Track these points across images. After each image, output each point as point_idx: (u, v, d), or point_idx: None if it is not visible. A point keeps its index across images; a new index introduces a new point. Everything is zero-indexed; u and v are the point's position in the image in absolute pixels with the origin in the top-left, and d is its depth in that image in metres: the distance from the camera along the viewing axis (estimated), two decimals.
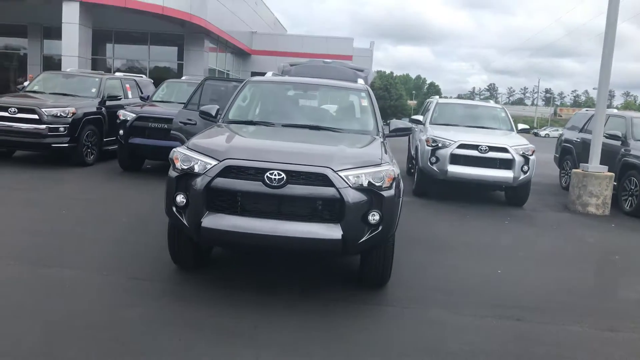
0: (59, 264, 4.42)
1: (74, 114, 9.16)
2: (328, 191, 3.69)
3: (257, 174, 3.70)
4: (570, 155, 11.29)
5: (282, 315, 3.72)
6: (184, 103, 8.22)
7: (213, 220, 3.72)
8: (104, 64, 25.48)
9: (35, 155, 10.10)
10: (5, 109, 8.83)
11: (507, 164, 8.29)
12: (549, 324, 3.96)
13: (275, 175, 3.66)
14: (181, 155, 3.93)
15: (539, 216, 8.29)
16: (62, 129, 8.98)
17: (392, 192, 3.91)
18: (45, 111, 8.89)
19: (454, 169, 8.35)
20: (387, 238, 4.02)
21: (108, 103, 10.22)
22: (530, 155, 8.39)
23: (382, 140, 4.75)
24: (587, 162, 8.92)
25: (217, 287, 4.17)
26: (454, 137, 8.52)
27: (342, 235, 3.68)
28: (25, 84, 10.95)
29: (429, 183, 8.93)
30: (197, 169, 3.82)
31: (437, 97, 10.88)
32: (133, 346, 3.16)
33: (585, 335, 3.84)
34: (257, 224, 3.69)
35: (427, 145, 8.59)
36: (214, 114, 5.07)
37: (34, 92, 10.19)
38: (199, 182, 3.74)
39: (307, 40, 32.10)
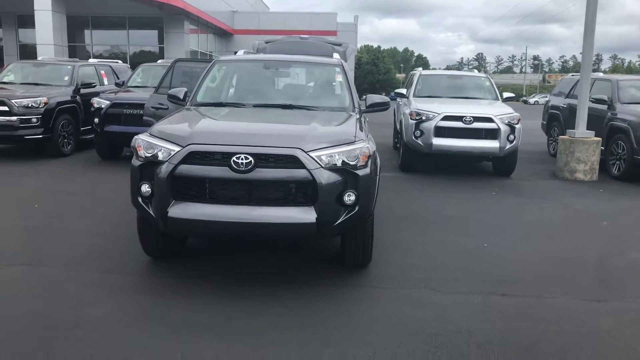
0: (25, 262, 4.24)
1: (46, 103, 8.86)
2: (299, 173, 3.51)
3: (223, 158, 3.51)
4: (558, 121, 11.14)
5: (258, 304, 3.58)
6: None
7: (180, 210, 3.54)
8: (83, 51, 24.92)
9: (11, 148, 9.82)
10: None
11: (492, 134, 8.12)
12: (535, 298, 3.85)
13: (242, 159, 3.47)
14: (144, 143, 3.73)
15: (527, 185, 8.17)
16: (34, 120, 8.69)
17: (367, 170, 3.74)
18: (16, 102, 8.59)
19: (439, 142, 8.18)
20: (364, 218, 3.87)
21: (82, 91, 9.91)
22: (516, 124, 8.22)
23: (358, 116, 4.56)
24: (574, 128, 8.78)
25: (190, 277, 4.01)
26: (438, 109, 8.33)
27: (316, 218, 3.52)
28: None
29: (414, 157, 8.77)
30: (160, 156, 3.62)
31: (420, 69, 10.63)
32: (99, 345, 3.01)
33: (572, 307, 3.73)
34: (227, 211, 3.52)
35: (411, 119, 8.40)
36: (182, 97, 4.85)
37: (4, 83, 9.85)
38: (163, 170, 3.55)
39: (289, 17, 31.51)
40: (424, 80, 9.89)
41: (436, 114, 8.21)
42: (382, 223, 5.63)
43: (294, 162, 3.51)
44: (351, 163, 3.68)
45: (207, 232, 3.63)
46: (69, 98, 9.58)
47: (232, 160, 3.47)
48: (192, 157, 3.54)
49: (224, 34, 30.80)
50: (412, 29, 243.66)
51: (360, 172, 3.69)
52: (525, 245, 5.14)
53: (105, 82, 10.96)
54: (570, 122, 9.82)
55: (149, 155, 3.67)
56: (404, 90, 9.96)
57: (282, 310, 3.50)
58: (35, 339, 3.04)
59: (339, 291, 3.84)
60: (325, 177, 3.53)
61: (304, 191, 3.56)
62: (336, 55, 5.83)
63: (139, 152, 3.73)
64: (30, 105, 8.69)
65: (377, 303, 3.70)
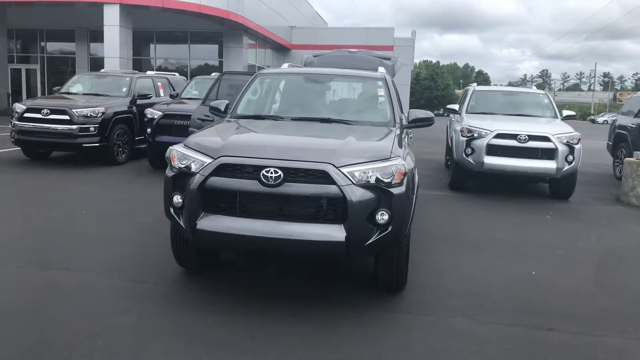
0: (64, 267, 4.32)
1: (103, 113, 9.23)
2: (329, 189, 3.37)
3: (253, 172, 3.43)
4: (625, 142, 10.42)
5: (284, 324, 3.45)
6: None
7: (208, 222, 3.49)
8: (147, 64, 26.03)
9: (70, 156, 10.28)
10: (38, 110, 9.00)
11: (549, 154, 7.66)
12: (585, 335, 3.50)
13: (271, 172, 3.38)
14: (178, 154, 3.72)
15: (587, 210, 7.63)
16: (92, 129, 9.06)
17: (402, 188, 3.55)
18: (76, 112, 8.99)
19: (491, 161, 7.80)
20: (398, 239, 3.67)
21: (139, 102, 10.25)
22: (576, 144, 7.72)
23: (399, 132, 4.38)
24: None
25: (220, 292, 3.94)
26: (491, 126, 7.97)
27: (345, 237, 3.36)
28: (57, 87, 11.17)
29: (465, 176, 8.41)
30: (193, 167, 3.60)
31: (475, 84, 10.27)
32: (118, 356, 2.97)
33: (629, 348, 3.36)
34: (255, 226, 3.43)
35: (462, 136, 8.08)
36: (223, 109, 4.85)
37: (68, 93, 10.37)
38: (194, 182, 3.51)
39: (346, 32, 31.66)
40: (477, 96, 9.53)
41: (489, 132, 7.85)
42: (423, 244, 5.40)
43: (324, 177, 3.38)
44: (385, 180, 3.50)
45: (234, 246, 3.56)
46: (125, 108, 9.94)
47: (261, 174, 3.39)
48: (223, 170, 3.49)
49: (281, 49, 31.32)
50: (473, 44, 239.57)
51: (394, 191, 3.50)
52: (579, 275, 4.73)
53: (162, 94, 11.31)
54: (639, 144, 9.17)
55: (182, 166, 3.66)
56: (456, 106, 9.63)
57: (306, 332, 3.35)
58: (57, 346, 3.05)
59: (369, 316, 3.65)
60: (356, 194, 3.37)
61: (334, 208, 3.42)
62: (381, 69, 5.69)
63: (172, 163, 3.72)
64: (89, 114, 9.07)
65: (408, 331, 3.48)
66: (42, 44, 27.88)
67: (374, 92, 4.89)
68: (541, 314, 3.80)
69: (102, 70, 12.14)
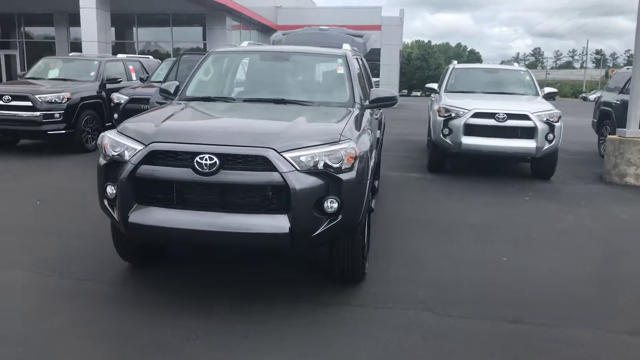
0: (2, 264, 4.03)
1: (69, 99, 8.84)
2: (270, 177, 3.08)
3: (186, 159, 3.14)
4: (610, 119, 10.16)
5: (226, 323, 3.19)
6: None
7: (141, 215, 3.20)
8: (130, 48, 25.39)
9: (40, 144, 9.91)
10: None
11: (529, 133, 7.38)
12: (552, 327, 3.27)
13: (206, 159, 3.09)
14: (110, 141, 3.41)
15: (568, 190, 7.38)
16: (57, 115, 8.68)
17: (352, 174, 3.27)
18: (39, 97, 8.61)
19: (469, 141, 7.52)
20: (351, 228, 3.40)
21: (108, 86, 9.86)
22: (556, 122, 7.44)
23: (357, 112, 4.08)
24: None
25: (163, 289, 3.67)
26: (469, 105, 7.67)
27: (289, 228, 3.08)
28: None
29: (443, 157, 8.14)
30: (126, 155, 3.29)
31: (455, 62, 9.93)
32: None
33: (597, 340, 3.13)
34: (191, 218, 3.14)
35: (439, 116, 7.78)
36: (172, 91, 4.52)
37: (34, 78, 9.96)
38: (124, 171, 3.21)
39: (333, 12, 31.03)
40: (457, 74, 9.20)
41: (466, 111, 7.56)
42: (392, 229, 5.15)
43: (264, 163, 3.09)
44: (334, 165, 3.22)
45: (169, 240, 3.28)
46: (94, 93, 9.56)
47: (195, 161, 3.10)
48: (155, 157, 3.19)
49: (267, 30, 30.67)
50: (465, 23, 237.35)
51: (344, 176, 3.22)
52: (553, 260, 4.49)
53: (134, 78, 10.92)
54: (624, 120, 8.90)
55: (115, 154, 3.35)
56: (434, 85, 9.31)
57: (249, 331, 3.09)
58: None
59: (321, 310, 3.40)
60: (300, 181, 3.09)
61: (277, 197, 3.13)
62: (346, 46, 5.36)
63: (105, 150, 3.41)
64: (53, 100, 8.69)
65: (363, 326, 3.22)
66: (21, 29, 27.14)
67: (333, 70, 4.58)
68: (506, 304, 3.57)
69: (72, 54, 11.68)
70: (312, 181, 3.13)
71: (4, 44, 27.52)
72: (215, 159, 3.08)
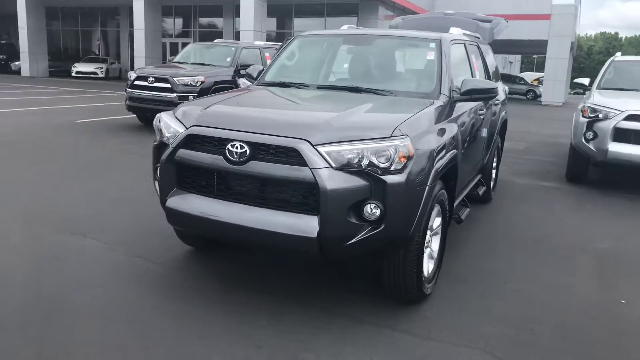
0: (84, 232, 4.27)
1: (202, 82, 9.37)
2: (301, 172, 2.71)
3: (218, 145, 2.92)
4: None
5: (254, 329, 2.92)
6: None
7: (177, 201, 3.07)
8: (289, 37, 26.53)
9: None
10: (145, 78, 9.45)
11: None
12: None
13: (236, 147, 2.83)
14: (162, 123, 3.34)
15: None
16: (191, 98, 9.23)
17: (402, 176, 2.75)
18: (177, 80, 9.26)
19: (618, 149, 6.21)
20: (397, 241, 2.89)
21: (242, 72, 10.23)
22: None
23: (440, 105, 3.49)
24: None
25: (211, 277, 3.54)
26: (623, 105, 6.32)
27: (318, 232, 2.69)
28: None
29: (583, 166, 6.87)
30: (171, 138, 3.19)
31: (619, 54, 8.33)
32: (48, 344, 2.73)
33: None
34: (221, 209, 2.92)
35: (583, 116, 6.56)
36: (255, 75, 4.38)
37: (179, 62, 10.77)
38: (165, 153, 3.11)
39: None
40: (616, 68, 7.68)
41: (618, 112, 6.24)
42: (490, 245, 4.44)
43: (296, 156, 2.72)
44: (381, 165, 2.73)
45: (199, 230, 3.10)
46: (228, 78, 10.01)
47: (226, 149, 2.86)
48: (192, 141, 3.02)
49: None
50: None
51: (390, 179, 2.72)
52: None
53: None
54: None
55: (164, 136, 3.27)
56: (585, 80, 7.92)
57: (260, 337, 2.79)
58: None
59: (356, 329, 2.95)
60: (334, 179, 2.66)
61: (308, 196, 2.75)
62: (453, 30, 4.69)
63: (157, 131, 3.36)
64: (188, 83, 9.28)
65: (397, 356, 2.71)
66: (197, 19, 30.04)
67: (423, 57, 3.98)
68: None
69: (216, 41, 12.42)
70: (350, 181, 2.69)
71: (184, 33, 30.75)
72: (246, 148, 2.81)
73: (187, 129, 3.06)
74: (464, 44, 4.60)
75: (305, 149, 2.70)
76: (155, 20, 23.55)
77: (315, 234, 2.69)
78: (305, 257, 2.90)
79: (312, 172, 2.66)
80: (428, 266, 3.37)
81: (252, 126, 2.89)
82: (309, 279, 3.61)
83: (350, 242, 2.74)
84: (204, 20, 30.29)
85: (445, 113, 3.51)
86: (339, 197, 2.67)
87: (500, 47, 39.91)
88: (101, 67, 28.02)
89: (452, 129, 3.50)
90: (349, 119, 2.99)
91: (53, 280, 3.40)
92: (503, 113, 5.66)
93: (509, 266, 4.01)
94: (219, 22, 29.35)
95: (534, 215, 5.43)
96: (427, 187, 2.93)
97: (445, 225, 3.53)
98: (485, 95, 3.74)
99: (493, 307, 3.30)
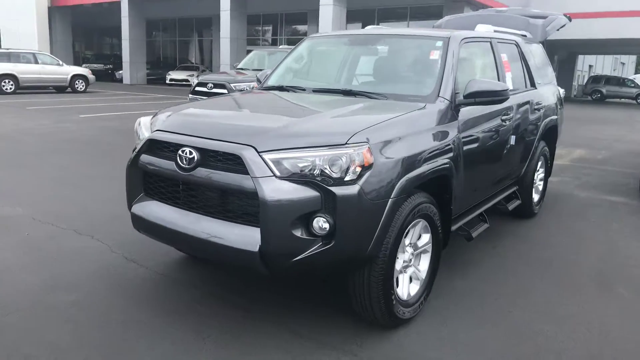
0: (97, 234, 4.39)
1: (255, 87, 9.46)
2: (241, 180, 2.53)
3: (173, 151, 2.82)
4: None
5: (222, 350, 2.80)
6: None
7: (141, 207, 3.03)
8: None
9: None
10: (205, 84, 9.74)
11: None
12: None
13: (186, 153, 2.72)
14: (136, 126, 3.33)
15: None
16: None
17: (354, 188, 2.47)
18: (233, 85, 9.44)
19: None
20: (353, 260, 2.61)
21: None
22: None
23: (432, 110, 3.15)
24: None
25: (190, 287, 3.46)
26: None
27: (259, 246, 2.50)
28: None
29: None
30: (140, 142, 3.16)
31: None
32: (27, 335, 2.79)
33: None
34: (177, 218, 2.82)
35: None
36: (263, 79, 4.28)
37: (242, 69, 11.00)
38: (130, 159, 3.08)
39: None
40: None
41: None
42: (505, 266, 3.93)
43: (240, 163, 2.55)
44: (334, 175, 2.49)
45: (159, 238, 3.00)
46: None
47: (177, 154, 2.76)
48: (154, 147, 2.96)
49: None
50: None
51: (339, 190, 2.46)
52: None
53: None
54: None
55: (138, 141, 3.25)
56: None
57: (217, 355, 2.64)
58: None
59: (324, 355, 2.70)
60: (276, 190, 2.45)
61: (253, 207, 2.57)
62: (480, 28, 4.26)
63: (136, 136, 3.35)
64: (244, 88, 9.40)
65: None
66: (283, 27, 30.79)
67: (426, 57, 3.61)
68: None
69: (281, 46, 12.52)
70: (296, 192, 2.47)
71: (273, 41, 31.66)
72: (195, 154, 2.68)
73: (152, 133, 3.01)
74: (490, 43, 4.15)
75: (248, 156, 2.52)
76: (240, 29, 24.42)
77: (257, 249, 2.50)
78: (254, 272, 2.70)
79: (253, 181, 2.48)
80: (408, 289, 3.04)
81: (203, 131, 2.76)
82: (298, 296, 3.39)
83: (297, 259, 2.50)
84: (291, 28, 30.98)
85: (438, 118, 3.15)
86: (282, 209, 2.45)
87: (606, 47, 36.68)
88: (193, 75, 29.59)
89: (446, 136, 3.14)
90: (305, 124, 2.76)
91: (41, 278, 3.50)
92: (549, 118, 5.05)
93: (515, 291, 3.51)
94: (303, 29, 29.85)
95: (581, 235, 4.77)
96: (392, 200, 2.62)
97: (437, 242, 3.17)
98: (491, 98, 3.31)
99: (471, 339, 2.88)
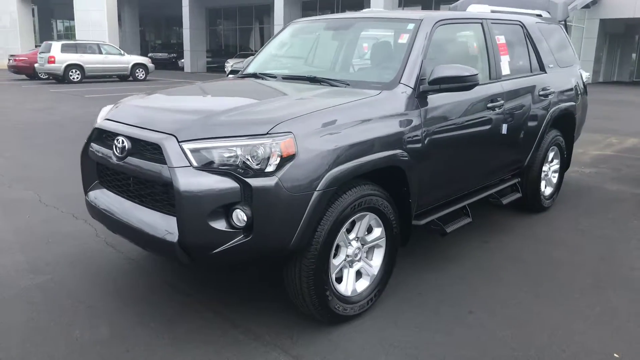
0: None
1: None
2: (160, 170, 2.51)
3: (110, 139, 2.85)
4: None
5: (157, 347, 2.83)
6: None
7: (93, 194, 3.09)
8: None
9: None
10: (236, 72, 9.80)
11: None
12: None
13: (120, 142, 2.73)
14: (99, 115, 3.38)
15: None
16: None
17: (272, 180, 2.38)
18: None
19: None
20: (275, 253, 2.52)
21: None
22: None
23: (387, 97, 2.98)
24: None
25: (165, 279, 3.52)
26: None
27: (178, 237, 2.47)
28: None
29: None
30: None
31: None
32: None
33: None
34: (116, 206, 2.86)
35: None
36: (245, 67, 4.24)
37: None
38: (82, 147, 3.14)
39: None
40: None
41: None
42: (478, 263, 3.66)
43: (162, 153, 2.52)
44: (254, 166, 2.41)
45: (108, 227, 3.02)
46: None
47: (113, 143, 2.78)
48: (100, 135, 3.00)
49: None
50: None
51: (255, 181, 2.38)
52: None
53: None
54: None
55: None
56: None
57: (139, 344, 2.66)
58: None
59: (253, 348, 2.66)
60: (191, 181, 2.40)
61: (170, 197, 2.54)
62: (472, 7, 3.99)
63: None
64: None
65: None
66: (339, 12, 30.48)
67: (394, 41, 3.38)
68: None
69: None
70: (213, 183, 2.41)
71: None
72: (126, 143, 2.69)
73: (100, 122, 3.05)
74: (482, 24, 3.85)
75: (168, 146, 2.48)
76: (295, 15, 24.45)
77: (175, 239, 2.47)
78: (179, 263, 2.68)
79: (169, 171, 2.44)
80: (354, 284, 2.91)
81: (136, 120, 2.76)
82: (248, 285, 3.36)
83: (217, 251, 2.45)
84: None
85: (393, 106, 2.97)
86: (197, 200, 2.40)
87: None
88: None
89: (402, 125, 2.95)
90: (231, 114, 2.67)
91: (20, 260, 3.68)
92: (563, 105, 4.64)
93: (484, 293, 3.26)
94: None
95: (589, 233, 4.37)
96: (318, 192, 2.49)
97: (392, 238, 3.01)
98: (457, 84, 3.06)
99: (425, 348, 2.71)
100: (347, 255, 2.85)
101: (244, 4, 34.56)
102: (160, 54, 34.80)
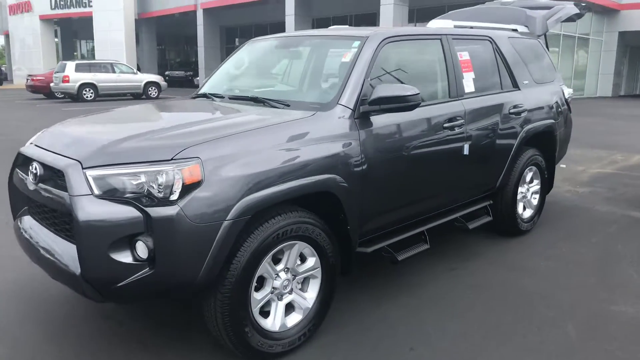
0: None
1: None
2: (62, 199, 2.39)
3: (28, 165, 2.74)
4: None
5: None
6: None
7: (21, 222, 2.97)
8: None
9: None
10: None
11: None
12: None
13: (34, 168, 2.62)
14: None
15: None
16: None
17: (174, 209, 2.24)
18: None
19: None
20: (181, 288, 2.36)
21: None
22: None
23: (319, 119, 2.83)
24: None
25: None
26: None
27: (80, 271, 2.33)
28: None
29: None
30: None
31: None
32: None
33: None
34: (38, 235, 2.73)
35: None
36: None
37: None
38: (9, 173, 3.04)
39: None
40: None
41: None
42: (426, 294, 3.44)
43: (64, 180, 2.40)
44: (158, 195, 2.27)
45: (28, 255, 2.90)
46: None
47: (29, 169, 2.67)
48: (23, 160, 2.89)
49: (606, 12, 25.66)
50: None
51: (155, 211, 2.23)
52: None
53: None
54: None
55: None
56: None
57: None
58: None
59: None
60: (90, 211, 2.27)
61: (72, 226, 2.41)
62: (433, 23, 3.81)
63: None
64: None
65: None
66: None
67: (339, 60, 3.22)
68: None
69: None
70: (114, 212, 2.27)
71: None
72: (38, 169, 2.58)
73: (24, 147, 2.95)
74: (440, 40, 3.67)
75: (71, 172, 2.36)
76: None
77: (78, 272, 2.34)
78: (91, 298, 2.51)
79: (70, 199, 2.32)
80: (283, 319, 2.72)
81: (51, 145, 2.66)
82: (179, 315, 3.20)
83: (120, 285, 2.31)
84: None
85: (327, 128, 2.80)
86: (96, 230, 2.27)
87: None
88: None
89: (336, 148, 2.78)
90: (139, 138, 2.53)
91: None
92: (538, 123, 4.40)
93: (432, 328, 3.03)
94: None
95: (566, 260, 4.08)
96: (228, 222, 2.33)
97: (328, 268, 2.82)
98: (398, 104, 2.88)
99: None
100: (274, 288, 2.68)
101: (259, 23, 34.90)
102: (177, 72, 35.32)
